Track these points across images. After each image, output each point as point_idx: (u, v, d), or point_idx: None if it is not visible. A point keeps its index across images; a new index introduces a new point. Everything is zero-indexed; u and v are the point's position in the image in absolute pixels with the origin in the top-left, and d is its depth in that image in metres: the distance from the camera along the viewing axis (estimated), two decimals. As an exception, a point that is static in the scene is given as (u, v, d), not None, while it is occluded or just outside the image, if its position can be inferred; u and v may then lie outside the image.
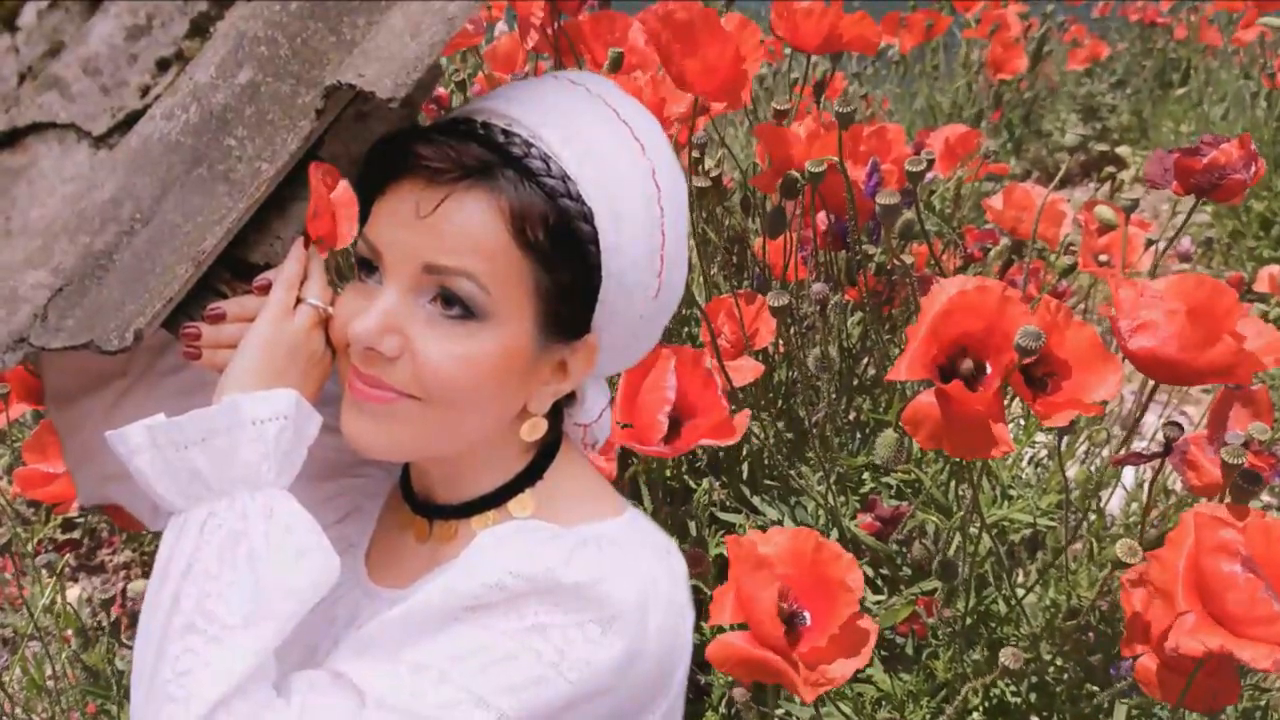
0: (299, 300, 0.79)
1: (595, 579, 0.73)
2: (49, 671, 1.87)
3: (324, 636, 0.83)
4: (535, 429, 0.81)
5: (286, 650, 0.74)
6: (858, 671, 1.12)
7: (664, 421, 1.27)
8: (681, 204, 0.81)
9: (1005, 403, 1.19)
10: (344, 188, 0.78)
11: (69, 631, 1.92)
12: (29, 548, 2.00)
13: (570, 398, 0.84)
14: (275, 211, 0.81)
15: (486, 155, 0.74)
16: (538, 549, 0.75)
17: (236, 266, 0.81)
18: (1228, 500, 1.17)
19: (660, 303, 0.81)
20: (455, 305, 0.74)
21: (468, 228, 0.73)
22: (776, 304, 1.47)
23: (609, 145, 0.77)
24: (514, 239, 0.74)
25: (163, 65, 0.75)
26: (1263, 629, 1.00)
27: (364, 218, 0.79)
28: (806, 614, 1.15)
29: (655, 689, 0.77)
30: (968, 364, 1.12)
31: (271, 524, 0.73)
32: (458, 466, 0.82)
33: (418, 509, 0.85)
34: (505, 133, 0.75)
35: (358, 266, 0.79)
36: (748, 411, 1.38)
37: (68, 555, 2.13)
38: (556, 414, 0.84)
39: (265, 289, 0.79)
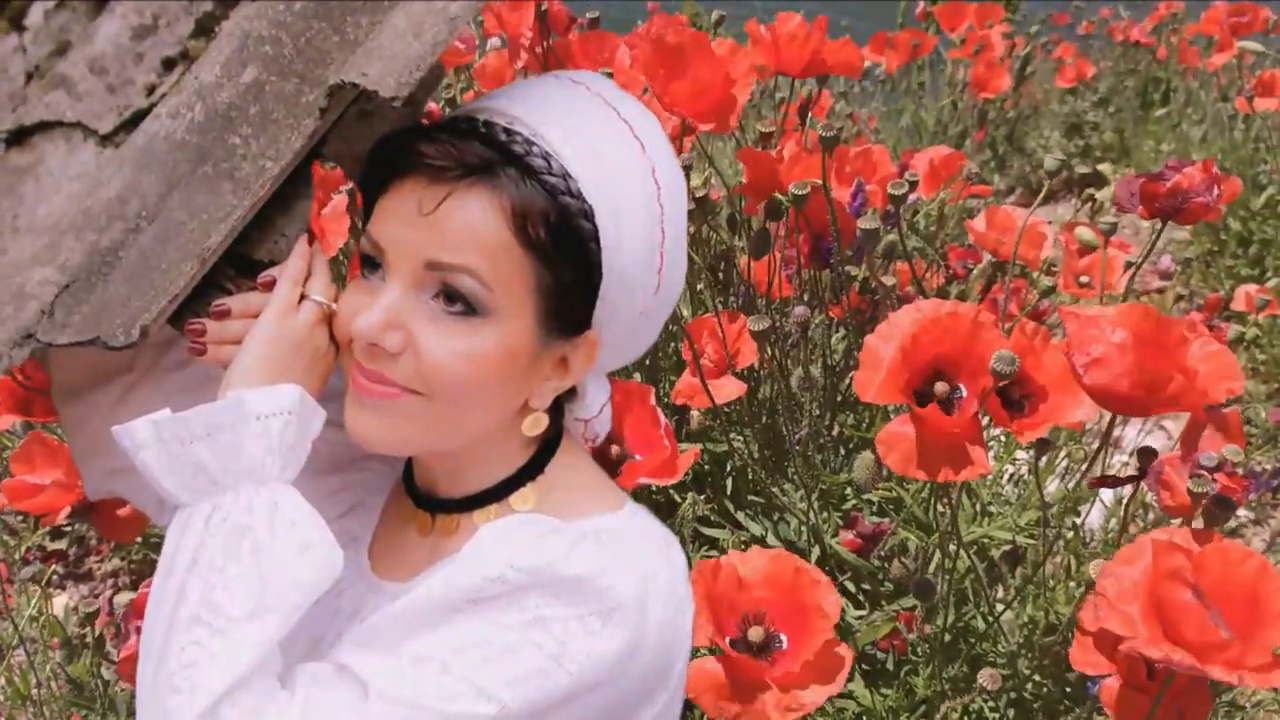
0: (303, 296, 0.80)
1: (596, 572, 0.73)
2: (34, 681, 1.87)
3: (328, 629, 0.84)
4: (537, 424, 0.82)
5: (291, 643, 0.75)
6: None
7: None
8: (681, 202, 0.82)
9: (983, 424, 1.21)
10: (336, 203, 0.80)
11: (55, 641, 1.92)
12: (16, 556, 2.00)
13: (571, 393, 0.85)
14: (279, 209, 0.82)
15: (488, 153, 0.75)
16: (539, 542, 0.75)
17: (241, 263, 0.82)
18: (1198, 522, 1.20)
19: (660, 299, 0.82)
20: (457, 302, 0.75)
21: (469, 225, 0.74)
22: (757, 328, 1.48)
23: (609, 143, 0.78)
24: (515, 236, 0.74)
25: (168, 64, 0.76)
26: (1216, 654, 1.02)
27: (367, 215, 0.80)
28: (783, 637, 1.15)
29: (655, 681, 0.78)
30: (942, 386, 1.13)
31: (276, 518, 0.73)
32: (460, 461, 0.83)
33: (420, 503, 0.86)
34: (507, 131, 0.76)
35: (361, 263, 0.80)
36: (695, 451, 1.39)
37: (55, 565, 2.13)
38: (558, 409, 0.85)
39: (269, 285, 0.80)
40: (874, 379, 1.12)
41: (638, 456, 1.33)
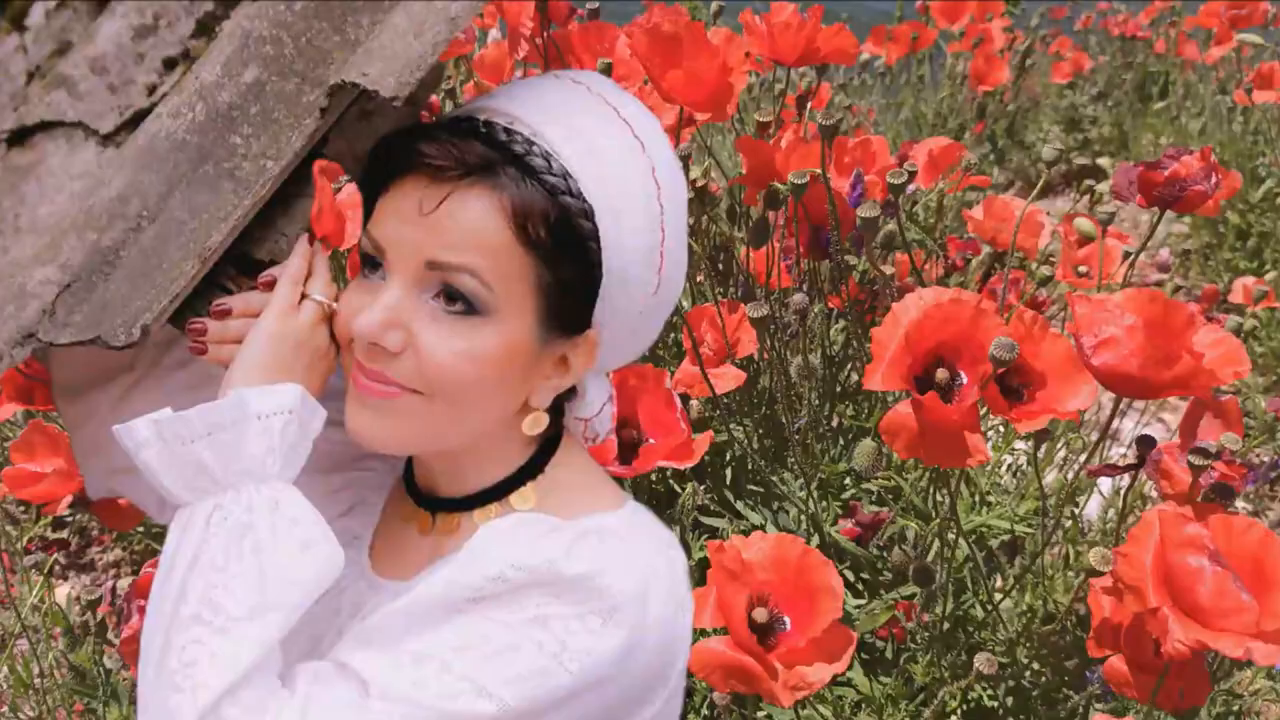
0: (304, 296, 0.80)
1: (596, 570, 0.74)
2: (36, 670, 1.88)
3: (329, 628, 0.84)
4: (537, 423, 0.82)
5: (292, 641, 0.75)
6: (837, 675, 1.14)
7: (613, 440, 1.29)
8: (681, 201, 0.82)
9: (982, 412, 1.22)
10: (349, 191, 0.80)
11: (57, 630, 1.93)
12: (19, 546, 2.00)
13: (571, 392, 0.85)
14: (280, 208, 0.82)
15: (488, 153, 0.75)
16: (539, 541, 0.76)
17: (242, 263, 0.82)
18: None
19: (660, 298, 0.82)
20: (458, 301, 0.75)
21: (470, 224, 0.74)
22: (756, 315, 1.49)
23: (609, 143, 0.78)
24: (516, 236, 0.75)
25: (169, 64, 0.76)
26: (1233, 619, 1.02)
27: (368, 215, 0.80)
28: (787, 619, 1.16)
29: (655, 680, 0.79)
30: (943, 373, 1.14)
31: (277, 516, 0.74)
32: (460, 460, 0.83)
33: (421, 502, 0.86)
34: (507, 131, 0.76)
35: (362, 262, 0.80)
36: (710, 434, 1.39)
37: (57, 554, 2.14)
38: (558, 408, 0.85)
39: (270, 285, 0.80)
40: (879, 367, 1.14)
41: (653, 440, 1.34)
